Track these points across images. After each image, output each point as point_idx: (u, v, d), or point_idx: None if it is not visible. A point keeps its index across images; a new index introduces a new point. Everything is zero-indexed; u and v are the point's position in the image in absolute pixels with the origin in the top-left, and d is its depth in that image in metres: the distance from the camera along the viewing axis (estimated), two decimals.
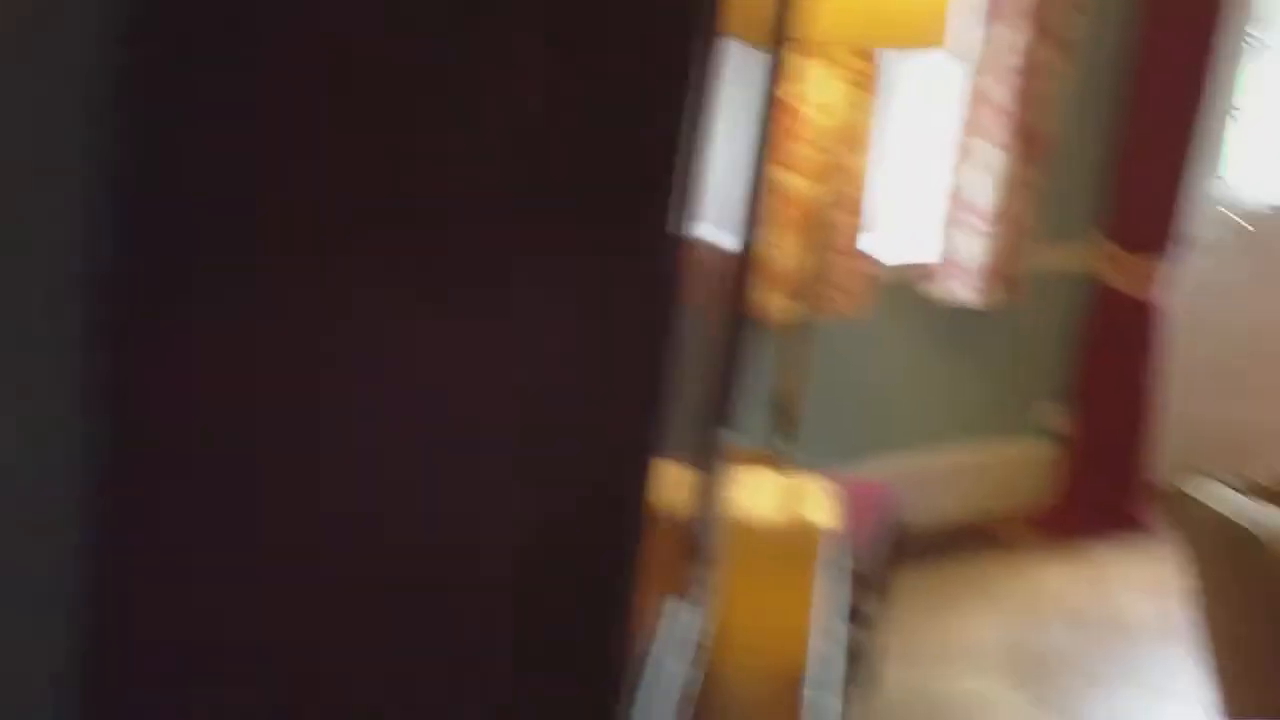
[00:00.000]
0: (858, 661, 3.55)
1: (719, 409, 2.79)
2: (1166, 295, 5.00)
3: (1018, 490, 5.16)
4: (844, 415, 4.64)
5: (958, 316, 4.79)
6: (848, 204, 4.21)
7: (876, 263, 4.48)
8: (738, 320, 3.03)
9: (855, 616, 3.43)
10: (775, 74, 2.82)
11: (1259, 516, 2.28)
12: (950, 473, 5.03)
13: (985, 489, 5.11)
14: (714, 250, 2.66)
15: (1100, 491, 5.06)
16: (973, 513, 5.08)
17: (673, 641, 1.66)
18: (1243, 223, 5.23)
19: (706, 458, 2.06)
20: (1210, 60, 4.84)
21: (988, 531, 5.02)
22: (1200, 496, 2.43)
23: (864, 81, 4.16)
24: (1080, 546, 4.95)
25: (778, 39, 2.77)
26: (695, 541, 1.94)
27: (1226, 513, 2.33)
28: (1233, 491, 2.46)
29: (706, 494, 2.08)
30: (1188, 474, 2.53)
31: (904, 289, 4.72)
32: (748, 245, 2.93)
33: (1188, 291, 5.16)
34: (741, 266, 2.94)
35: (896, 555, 3.96)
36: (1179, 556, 2.60)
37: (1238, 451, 5.17)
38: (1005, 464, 5.15)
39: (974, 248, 4.61)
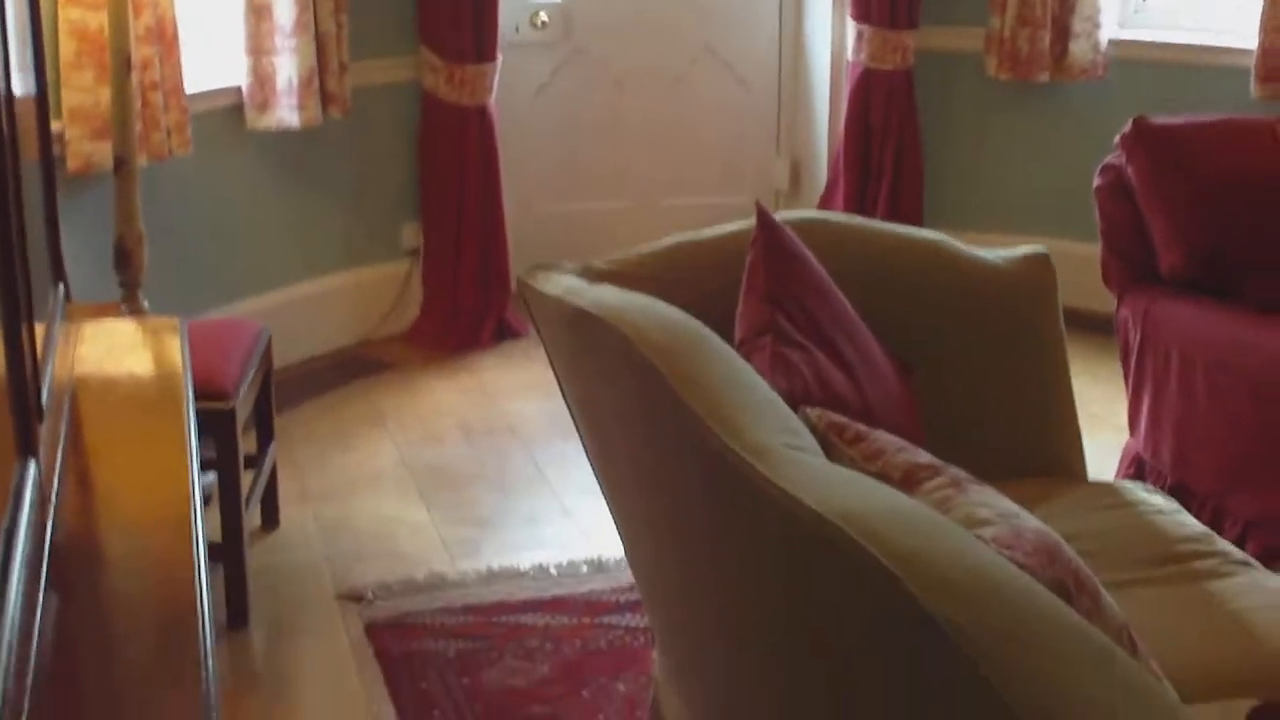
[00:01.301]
0: (248, 505, 3.39)
1: (47, 264, 2.52)
2: (489, 98, 4.97)
3: (392, 312, 5.11)
4: (195, 261, 4.43)
5: (292, 141, 4.62)
6: (150, 34, 3.92)
7: (195, 96, 4.21)
8: (45, 169, 2.75)
9: (232, 461, 3.27)
10: None
11: (592, 294, 2.35)
12: (321, 304, 4.91)
13: (359, 315, 5.03)
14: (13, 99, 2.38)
15: (466, 301, 5.06)
16: (351, 341, 5.01)
17: (24, 503, 1.46)
18: (544, 17, 5.27)
19: (36, 314, 1.84)
20: None
21: (369, 357, 4.96)
22: (542, 287, 2.48)
23: None
24: (459, 359, 4.96)
25: None
26: (33, 400, 1.71)
27: (563, 296, 2.38)
28: (572, 278, 2.53)
29: (41, 349, 1.86)
30: (536, 270, 2.55)
31: (228, 119, 4.50)
32: (40, 87, 2.65)
33: (512, 94, 5.19)
34: (40, 110, 2.66)
35: (277, 394, 3.83)
36: (543, 349, 2.61)
37: (584, 245, 5.27)
38: (374, 287, 5.08)
39: (285, 66, 4.43)
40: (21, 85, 2.48)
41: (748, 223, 2.61)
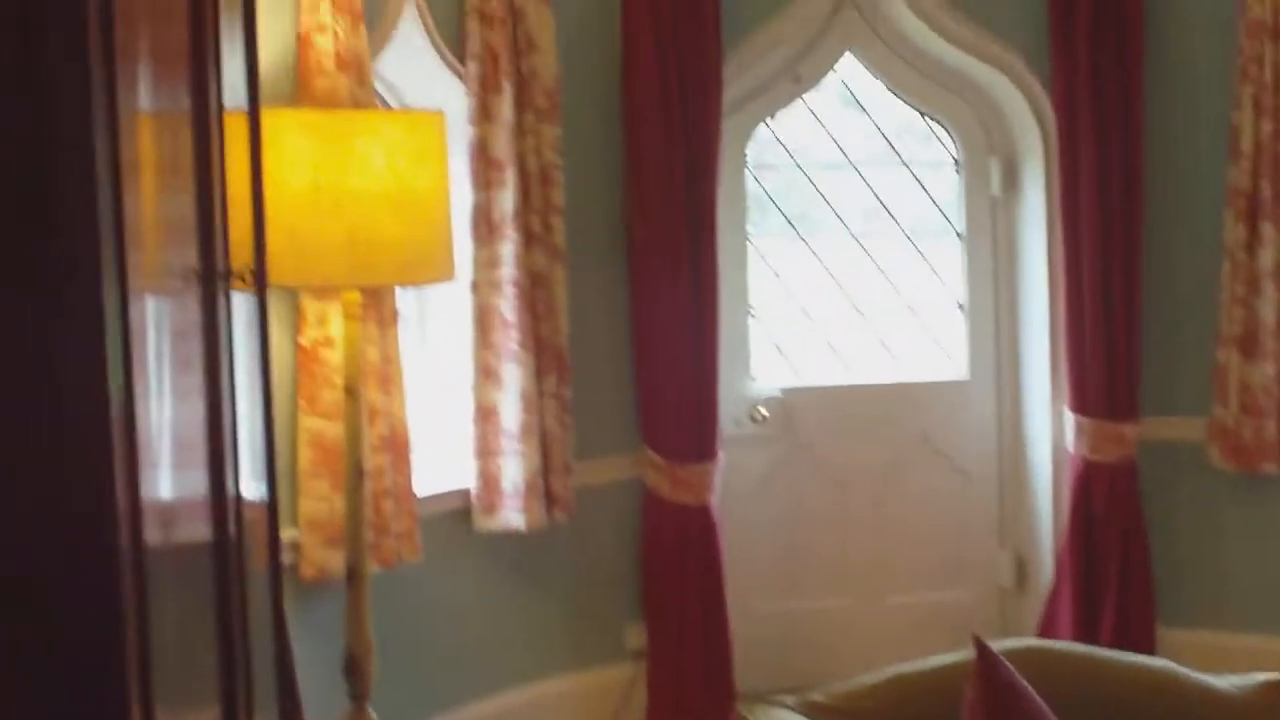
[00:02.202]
0: None
1: (276, 683, 2.59)
2: (711, 497, 5.02)
3: (615, 717, 5.05)
4: (421, 668, 4.46)
5: (517, 543, 4.69)
6: (383, 442, 4.08)
7: (423, 500, 4.34)
8: (275, 579, 2.85)
9: None
10: (264, 317, 2.75)
11: None
12: (546, 708, 4.90)
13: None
14: (243, 505, 2.52)
15: (691, 707, 4.99)
16: None
17: None
18: (764, 411, 5.35)
19: None
20: (711, 259, 4.97)
21: None
22: None
23: (385, 317, 4.11)
24: None
25: (261, 283, 2.70)
26: None
27: None
28: (793, 715, 2.55)
29: None
30: (755, 705, 2.55)
31: (455, 522, 4.59)
32: (272, 497, 2.79)
33: (731, 489, 5.24)
34: (270, 518, 2.79)
35: None
36: None
37: (807, 644, 5.33)
38: (599, 690, 5.04)
39: (511, 469, 4.54)
40: (252, 492, 2.62)
41: (967, 653, 2.58)
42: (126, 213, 1.35)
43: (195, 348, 1.97)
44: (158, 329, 1.60)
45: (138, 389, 1.38)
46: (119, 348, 1.31)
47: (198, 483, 1.89)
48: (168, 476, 1.62)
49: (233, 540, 2.17)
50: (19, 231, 1.26)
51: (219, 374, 2.11)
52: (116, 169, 1.33)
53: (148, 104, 1.63)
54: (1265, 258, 5.11)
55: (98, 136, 1.27)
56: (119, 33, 1.36)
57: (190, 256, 2.04)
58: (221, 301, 2.21)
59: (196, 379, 1.94)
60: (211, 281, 2.14)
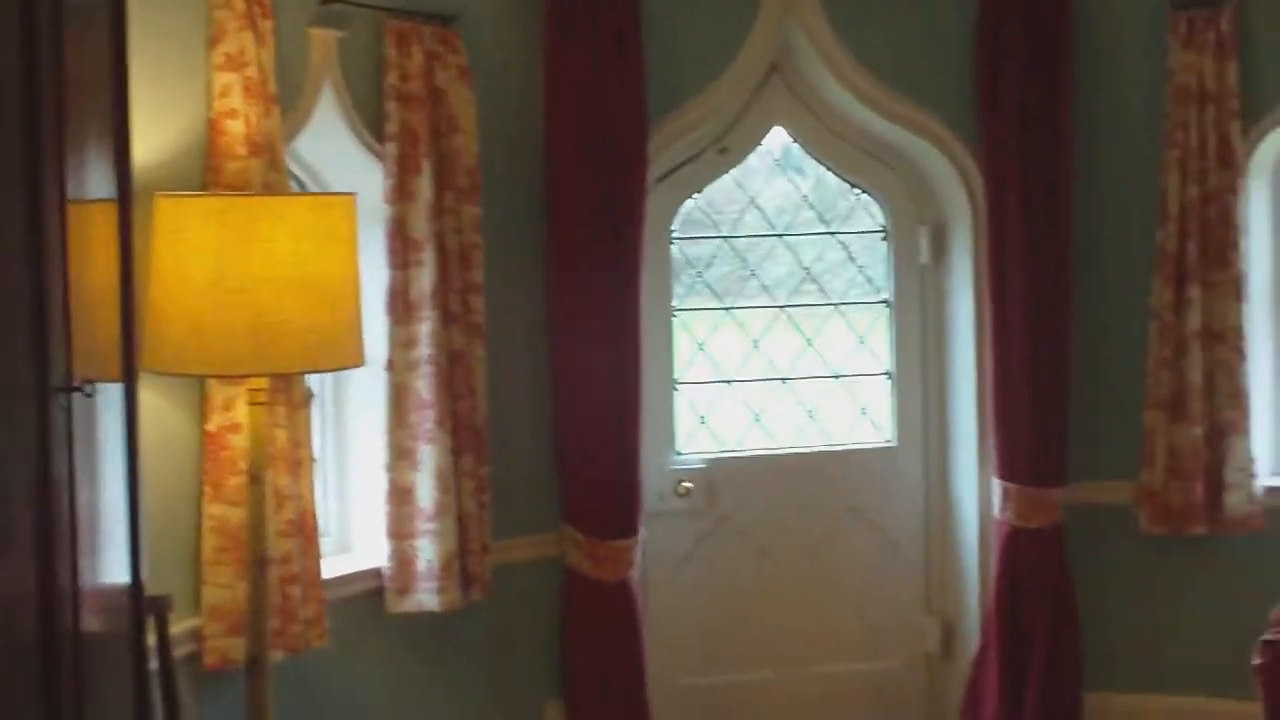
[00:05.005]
0: None
1: None
2: (631, 573, 5.02)
3: None
4: None
5: (431, 625, 4.65)
6: (291, 527, 4.06)
7: (333, 582, 4.33)
8: (138, 669, 2.89)
9: None
10: (132, 408, 2.79)
11: None
12: None
13: None
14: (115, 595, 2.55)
15: None
16: None
17: None
18: (688, 484, 5.36)
19: None
20: (635, 336, 4.99)
21: None
22: None
23: (294, 400, 4.10)
24: None
25: (130, 375, 2.75)
26: None
27: None
28: None
29: None
30: None
31: (367, 605, 4.55)
32: (135, 584, 2.84)
33: (656, 563, 5.25)
34: (134, 607, 2.83)
35: None
36: None
37: (733, 718, 5.36)
38: None
39: (426, 550, 4.53)
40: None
41: None
42: None
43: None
44: None
45: None
46: None
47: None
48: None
49: (67, 632, 2.24)
50: None
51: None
52: None
53: None
54: (1192, 320, 5.15)
55: None
56: None
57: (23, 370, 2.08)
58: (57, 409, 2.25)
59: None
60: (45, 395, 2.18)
